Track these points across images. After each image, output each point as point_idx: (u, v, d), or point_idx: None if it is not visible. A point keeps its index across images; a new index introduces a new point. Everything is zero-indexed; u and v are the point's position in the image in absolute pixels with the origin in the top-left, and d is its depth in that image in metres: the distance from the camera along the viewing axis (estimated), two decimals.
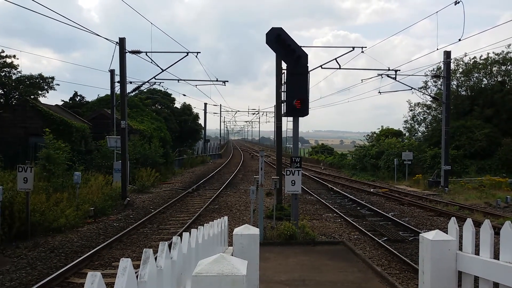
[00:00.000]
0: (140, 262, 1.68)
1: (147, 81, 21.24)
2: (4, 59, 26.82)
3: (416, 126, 40.04)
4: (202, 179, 27.39)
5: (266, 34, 11.41)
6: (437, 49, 20.66)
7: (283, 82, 12.58)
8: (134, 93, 22.23)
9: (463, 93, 36.45)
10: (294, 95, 11.40)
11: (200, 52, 19.24)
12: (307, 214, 15.82)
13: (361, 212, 16.91)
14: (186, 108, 52.46)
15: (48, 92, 29.57)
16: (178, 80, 22.54)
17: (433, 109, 37.74)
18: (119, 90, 19.99)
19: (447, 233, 3.00)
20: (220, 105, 70.51)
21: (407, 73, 26.29)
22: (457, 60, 35.77)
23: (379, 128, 41.42)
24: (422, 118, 39.47)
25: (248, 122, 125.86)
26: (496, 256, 2.64)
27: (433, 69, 35.28)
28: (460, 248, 2.94)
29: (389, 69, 22.11)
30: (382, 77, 22.70)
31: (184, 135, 49.97)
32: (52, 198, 14.02)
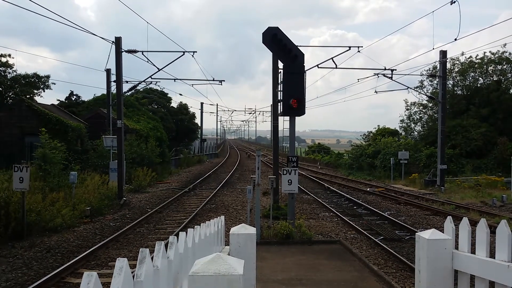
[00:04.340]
0: (136, 262, 1.68)
1: (144, 81, 21.20)
2: (0, 58, 26.74)
3: (412, 125, 40.18)
4: (199, 179, 27.37)
5: (263, 33, 11.41)
6: (433, 48, 20.71)
7: (279, 82, 12.59)
8: (130, 92, 22.15)
9: (459, 92, 36.59)
10: (290, 94, 11.41)
11: (196, 52, 19.22)
12: (303, 213, 15.84)
13: (357, 211, 16.94)
14: (183, 107, 52.44)
15: (44, 91, 29.55)
16: (175, 79, 22.50)
17: (429, 108, 37.87)
18: (115, 89, 19.95)
19: (443, 232, 3.01)
20: (217, 105, 70.52)
21: (404, 73, 26.41)
22: (453, 59, 35.95)
23: (375, 128, 41.62)
24: (418, 117, 39.61)
25: (244, 122, 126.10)
26: (492, 255, 2.65)
27: (429, 68, 35.48)
28: (456, 247, 2.95)
29: (385, 69, 22.17)
30: (378, 76, 22.75)
31: (180, 134, 49.94)
32: (48, 198, 13.97)
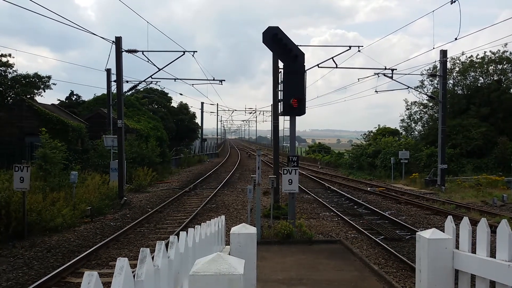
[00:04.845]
0: (137, 262, 1.68)
1: (144, 80, 21.20)
2: (0, 58, 26.72)
3: (413, 125, 40.14)
4: (199, 178, 27.38)
5: (263, 33, 11.40)
6: (434, 48, 20.68)
7: (280, 81, 12.58)
8: (130, 92, 22.15)
9: (460, 92, 36.54)
10: (291, 94, 11.40)
11: (196, 51, 19.21)
12: (304, 213, 15.84)
13: (358, 211, 16.94)
14: (183, 107, 52.45)
15: (44, 91, 29.50)
16: (175, 79, 22.50)
17: (430, 108, 37.83)
18: (115, 89, 19.95)
19: (444, 232, 3.01)
20: (217, 104, 70.59)
21: (404, 72, 26.43)
22: (454, 59, 35.90)
23: (376, 127, 41.59)
24: (418, 117, 39.57)
25: (245, 121, 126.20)
26: (492, 254, 2.64)
27: (430, 68, 35.43)
28: (457, 247, 2.95)
29: (385, 68, 22.15)
30: (378, 76, 22.73)
31: (181, 134, 49.95)
32: (48, 197, 13.98)
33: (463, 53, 36.21)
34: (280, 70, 12.88)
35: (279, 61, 14.48)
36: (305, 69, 11.97)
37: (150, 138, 30.54)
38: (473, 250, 2.80)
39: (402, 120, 40.78)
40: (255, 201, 11.62)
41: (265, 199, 18.31)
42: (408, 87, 25.33)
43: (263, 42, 11.43)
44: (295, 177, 11.16)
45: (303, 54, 11.67)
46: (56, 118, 23.79)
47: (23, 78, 28.04)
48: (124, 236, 12.20)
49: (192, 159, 44.28)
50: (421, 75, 36.72)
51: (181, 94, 58.52)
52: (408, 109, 40.07)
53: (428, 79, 36.78)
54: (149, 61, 19.08)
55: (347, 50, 17.24)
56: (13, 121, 23.84)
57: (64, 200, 14.39)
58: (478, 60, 35.01)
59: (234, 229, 3.68)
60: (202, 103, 56.30)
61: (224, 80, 23.74)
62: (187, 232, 2.55)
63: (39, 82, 29.13)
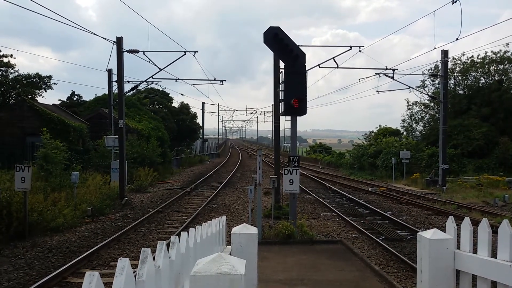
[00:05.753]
0: (138, 262, 1.68)
1: (145, 81, 21.22)
2: (1, 59, 26.77)
3: (414, 125, 40.11)
4: (200, 178, 27.38)
5: (264, 33, 11.40)
6: (435, 48, 20.68)
7: (281, 81, 12.57)
8: (131, 92, 22.18)
9: (461, 92, 36.51)
10: (292, 94, 11.40)
11: (197, 52, 19.21)
12: (305, 213, 15.83)
13: (359, 211, 16.93)
14: (184, 107, 52.45)
15: (45, 91, 29.60)
16: (176, 79, 22.51)
17: (431, 108, 37.81)
18: (116, 89, 19.96)
19: (445, 232, 3.00)
20: (218, 104, 70.51)
21: (405, 72, 26.43)
22: (455, 59, 35.86)
23: (377, 127, 41.56)
24: (420, 117, 39.54)
25: (246, 121, 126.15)
26: (494, 255, 2.64)
27: (431, 68, 35.40)
28: (458, 247, 2.95)
29: (386, 68, 22.14)
30: (379, 76, 22.71)
31: (182, 134, 49.94)
32: (50, 197, 14.00)
33: (463, 54, 36.19)
34: (281, 70, 12.87)
35: (280, 61, 14.48)
36: (306, 69, 11.97)
37: (151, 138, 30.55)
38: (474, 251, 2.80)
39: (403, 120, 40.78)
40: (256, 201, 11.62)
41: (266, 199, 18.30)
42: (409, 87, 25.30)
43: (264, 42, 11.44)
44: (296, 177, 11.16)
45: (304, 54, 11.67)
46: (57, 118, 23.81)
47: (24, 78, 28.11)
48: (125, 236, 12.21)
49: (193, 159, 44.30)
50: (422, 75, 36.78)
51: (182, 94, 58.52)
52: (409, 109, 40.07)
53: (429, 79, 36.77)
54: (150, 61, 19.11)
55: (348, 50, 17.24)
56: (14, 121, 23.86)
57: (65, 200, 14.41)
58: (479, 60, 34.99)
59: (235, 229, 3.68)
60: (203, 103, 56.33)
61: (225, 80, 23.77)
62: (188, 232, 2.55)
63: (40, 82, 29.20)
